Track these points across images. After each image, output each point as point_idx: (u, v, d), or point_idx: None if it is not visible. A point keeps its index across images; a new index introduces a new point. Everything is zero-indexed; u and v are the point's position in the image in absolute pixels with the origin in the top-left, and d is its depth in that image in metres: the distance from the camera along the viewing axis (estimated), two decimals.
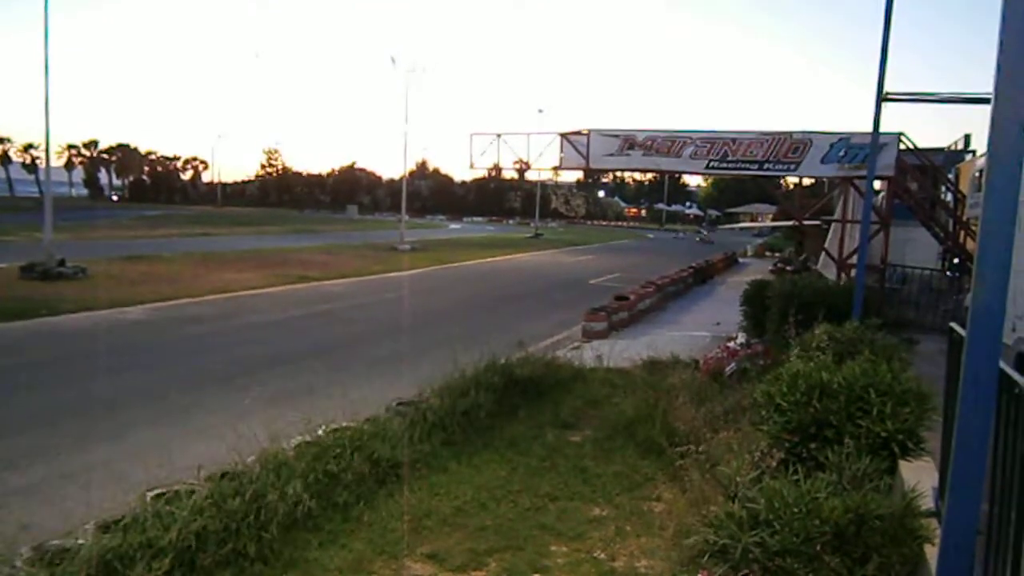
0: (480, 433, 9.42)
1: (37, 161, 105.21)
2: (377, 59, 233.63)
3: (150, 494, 6.45)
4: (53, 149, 26.84)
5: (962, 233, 19.21)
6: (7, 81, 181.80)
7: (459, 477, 8.13)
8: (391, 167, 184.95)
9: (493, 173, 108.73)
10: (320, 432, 8.04)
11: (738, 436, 7.72)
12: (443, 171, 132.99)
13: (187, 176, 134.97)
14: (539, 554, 6.44)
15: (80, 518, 6.07)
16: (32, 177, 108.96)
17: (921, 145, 20.09)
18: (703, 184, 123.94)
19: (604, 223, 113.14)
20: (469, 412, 9.47)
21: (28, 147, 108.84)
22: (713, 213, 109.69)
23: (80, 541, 5.52)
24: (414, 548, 6.46)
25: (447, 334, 15.56)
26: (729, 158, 18.12)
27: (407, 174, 53.37)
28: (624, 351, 14.28)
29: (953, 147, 27.37)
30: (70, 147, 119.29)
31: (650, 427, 9.25)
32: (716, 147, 18.14)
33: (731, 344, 13.69)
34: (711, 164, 18.56)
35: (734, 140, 18.06)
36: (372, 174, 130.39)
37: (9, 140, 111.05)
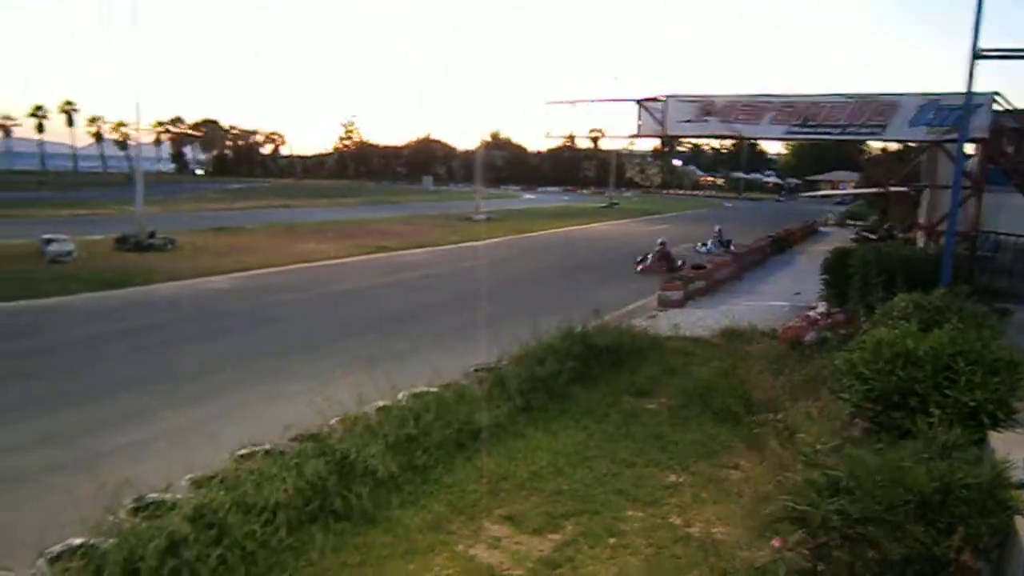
0: (557, 400, 9.51)
1: (128, 139, 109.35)
2: (451, 31, 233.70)
3: (240, 452, 6.73)
4: (142, 126, 27.82)
5: None
6: (99, 62, 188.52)
7: (536, 442, 8.24)
8: (466, 138, 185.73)
9: (567, 142, 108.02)
10: (401, 396, 8.24)
11: (818, 405, 7.62)
12: (517, 141, 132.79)
13: (267, 150, 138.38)
14: (615, 518, 6.50)
15: (175, 474, 6.37)
16: (123, 153, 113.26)
17: (1019, 105, 19.10)
18: (783, 151, 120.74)
19: (680, 192, 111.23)
20: (546, 379, 9.56)
21: (120, 125, 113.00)
22: (792, 181, 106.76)
23: (177, 496, 5.82)
24: (492, 510, 6.60)
25: (524, 302, 15.69)
26: (811, 123, 17.60)
27: (481, 145, 53.49)
28: (701, 320, 14.15)
29: None
30: (159, 124, 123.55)
31: (727, 395, 9.19)
32: (797, 111, 17.63)
33: (811, 313, 13.42)
34: (792, 129, 18.07)
35: (816, 104, 17.53)
36: (447, 145, 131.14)
37: (102, 119, 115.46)
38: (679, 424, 8.93)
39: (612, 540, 6.14)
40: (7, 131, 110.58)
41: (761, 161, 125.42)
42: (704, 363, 11.10)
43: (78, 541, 5.19)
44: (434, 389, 8.60)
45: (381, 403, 8.00)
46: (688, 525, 6.41)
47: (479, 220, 42.07)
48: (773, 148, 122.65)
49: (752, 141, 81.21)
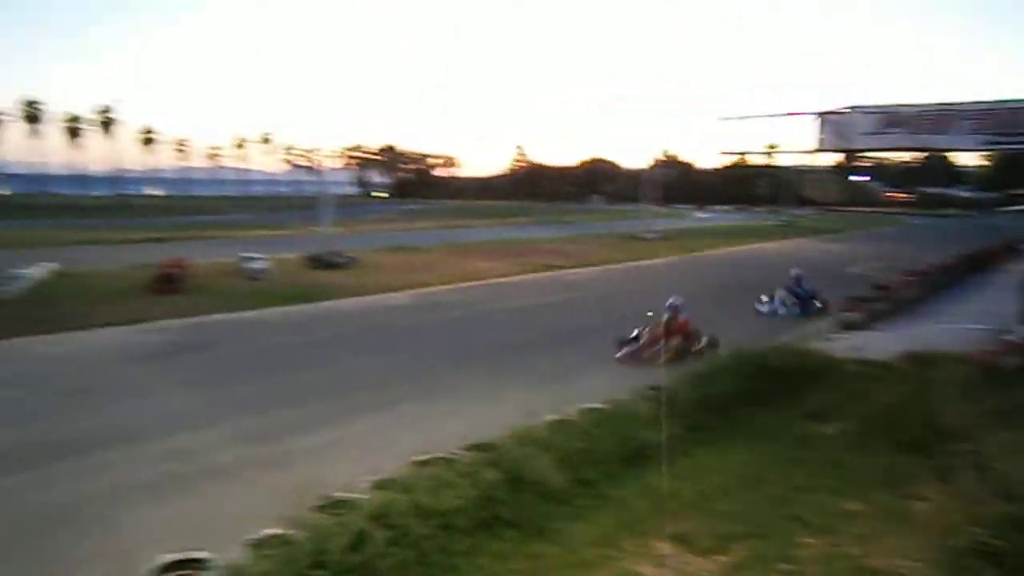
0: (727, 420, 9.32)
1: (317, 165, 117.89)
2: (622, 53, 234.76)
3: (418, 459, 7.10)
4: (328, 152, 29.86)
5: None
6: (288, 96, 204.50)
7: (705, 462, 8.13)
8: (634, 157, 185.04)
9: (740, 159, 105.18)
10: (571, 411, 8.38)
11: (1017, 436, 7.10)
12: (688, 159, 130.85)
13: (443, 173, 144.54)
14: (787, 544, 6.31)
15: (357, 476, 6.80)
16: (313, 178, 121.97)
17: None
18: (983, 163, 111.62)
19: (862, 209, 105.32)
20: (717, 399, 9.42)
21: (310, 153, 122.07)
22: (990, 195, 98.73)
23: (362, 496, 6.23)
24: (659, 528, 6.56)
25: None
26: (1009, 131, 16.33)
27: (651, 164, 53.18)
28: (883, 343, 13.42)
29: None
30: (345, 150, 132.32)
31: (912, 422, 8.68)
32: (993, 119, 16.49)
33: (1010, 337, 12.42)
34: (988, 139, 16.84)
35: (1014, 110, 16.25)
36: (615, 165, 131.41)
37: (293, 148, 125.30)
38: (858, 450, 8.51)
39: (784, 566, 5.96)
40: (214, 160, 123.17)
41: (953, 174, 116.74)
42: (886, 388, 10.52)
43: (273, 532, 5.66)
44: (604, 406, 8.69)
45: (552, 417, 8.17)
46: (867, 556, 6.11)
47: (648, 239, 41.71)
48: (967, 160, 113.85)
49: (942, 153, 76.00)
